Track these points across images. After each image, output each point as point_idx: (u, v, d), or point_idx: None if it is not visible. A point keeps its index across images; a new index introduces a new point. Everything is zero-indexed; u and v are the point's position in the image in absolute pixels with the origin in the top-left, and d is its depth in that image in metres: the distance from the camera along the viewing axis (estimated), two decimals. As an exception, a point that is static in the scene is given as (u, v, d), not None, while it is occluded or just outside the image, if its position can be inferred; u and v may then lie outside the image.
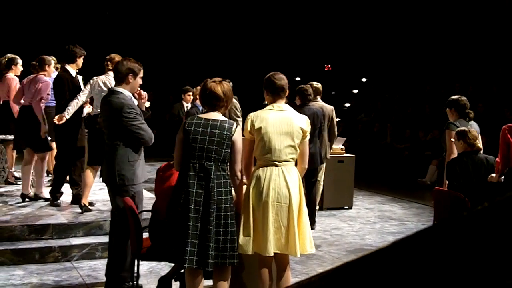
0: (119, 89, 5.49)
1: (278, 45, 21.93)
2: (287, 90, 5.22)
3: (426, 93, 17.28)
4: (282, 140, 4.93)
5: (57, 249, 6.77)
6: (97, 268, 6.53)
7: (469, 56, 18.22)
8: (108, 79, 7.64)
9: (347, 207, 10.33)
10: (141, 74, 5.60)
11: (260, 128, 4.93)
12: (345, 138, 10.91)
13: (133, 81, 5.53)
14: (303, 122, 5.06)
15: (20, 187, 9.45)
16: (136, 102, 5.75)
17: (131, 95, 5.60)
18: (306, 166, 5.24)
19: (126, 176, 5.41)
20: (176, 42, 21.51)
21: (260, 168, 4.96)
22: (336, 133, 9.13)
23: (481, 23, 18.08)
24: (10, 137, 9.15)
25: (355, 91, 20.99)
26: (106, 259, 6.67)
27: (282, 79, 5.10)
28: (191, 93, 11.29)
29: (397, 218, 9.78)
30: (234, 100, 8.47)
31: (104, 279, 6.05)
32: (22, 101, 8.68)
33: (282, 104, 5.10)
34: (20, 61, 9.50)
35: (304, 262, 7.05)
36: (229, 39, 21.62)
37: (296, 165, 5.12)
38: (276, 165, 4.92)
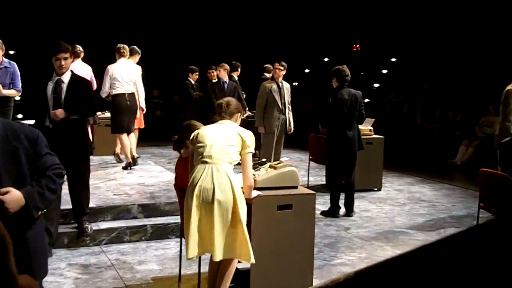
0: None
1: (306, 26, 21.74)
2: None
3: (456, 73, 17.02)
4: (215, 138, 4.76)
5: (86, 233, 6.81)
6: (126, 252, 6.55)
7: (500, 36, 17.89)
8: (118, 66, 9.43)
9: (376, 188, 10.23)
10: None
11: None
12: (373, 119, 10.79)
13: None
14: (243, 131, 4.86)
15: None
16: None
17: None
18: (251, 184, 4.91)
19: None
20: (189, 22, 21.18)
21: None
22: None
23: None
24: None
25: (384, 71, 20.73)
26: (135, 243, 6.76)
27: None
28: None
29: (427, 200, 9.66)
30: None
31: (132, 262, 6.11)
32: None
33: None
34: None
35: (333, 245, 7.00)
36: (254, 18, 21.43)
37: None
38: (207, 163, 4.71)
